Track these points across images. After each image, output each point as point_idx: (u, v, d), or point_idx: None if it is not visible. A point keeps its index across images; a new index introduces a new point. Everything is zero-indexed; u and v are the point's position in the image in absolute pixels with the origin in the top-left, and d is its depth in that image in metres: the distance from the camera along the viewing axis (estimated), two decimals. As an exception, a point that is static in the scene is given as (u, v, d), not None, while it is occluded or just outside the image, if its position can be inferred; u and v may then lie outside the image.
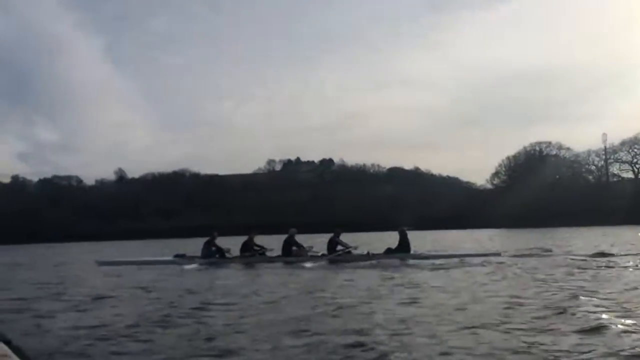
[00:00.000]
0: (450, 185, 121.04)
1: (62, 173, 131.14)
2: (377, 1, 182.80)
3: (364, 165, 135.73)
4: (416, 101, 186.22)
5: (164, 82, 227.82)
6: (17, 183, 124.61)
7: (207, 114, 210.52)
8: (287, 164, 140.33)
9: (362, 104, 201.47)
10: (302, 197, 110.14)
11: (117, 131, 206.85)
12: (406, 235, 15.58)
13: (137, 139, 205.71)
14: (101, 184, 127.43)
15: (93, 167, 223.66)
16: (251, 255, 16.09)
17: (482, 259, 14.23)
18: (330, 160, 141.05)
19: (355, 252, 15.66)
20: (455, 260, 14.23)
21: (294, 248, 15.96)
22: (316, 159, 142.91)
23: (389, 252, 15.40)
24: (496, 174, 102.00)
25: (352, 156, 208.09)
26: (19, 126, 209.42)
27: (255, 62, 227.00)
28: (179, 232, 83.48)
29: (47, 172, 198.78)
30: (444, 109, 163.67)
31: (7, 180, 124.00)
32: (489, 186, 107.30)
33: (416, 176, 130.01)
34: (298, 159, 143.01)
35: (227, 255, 16.51)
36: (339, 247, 15.77)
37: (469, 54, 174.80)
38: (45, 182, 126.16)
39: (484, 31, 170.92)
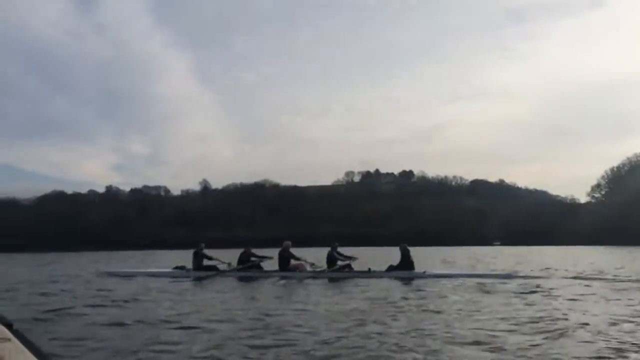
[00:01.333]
0: (538, 199, 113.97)
1: (151, 184, 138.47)
2: (450, 13, 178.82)
3: (446, 177, 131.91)
4: (496, 113, 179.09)
5: (245, 97, 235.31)
6: (111, 192, 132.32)
7: (285, 127, 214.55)
8: (366, 175, 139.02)
9: (440, 117, 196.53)
10: (383, 208, 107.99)
11: (201, 144, 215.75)
12: (408, 251, 14.56)
13: (219, 151, 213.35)
14: (187, 194, 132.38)
15: (179, 178, 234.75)
16: (248, 267, 15.23)
17: (494, 280, 12.91)
18: (410, 172, 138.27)
19: (355, 267, 14.94)
20: (461, 280, 12.84)
21: (292, 261, 14.89)
22: (395, 170, 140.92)
23: (390, 269, 14.39)
24: (597, 186, 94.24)
25: (432, 168, 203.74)
26: (114, 140, 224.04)
27: (331, 77, 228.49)
28: (261, 242, 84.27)
29: (138, 182, 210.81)
30: (526, 120, 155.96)
31: (102, 190, 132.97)
32: (580, 199, 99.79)
33: (501, 189, 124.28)
34: (377, 170, 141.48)
35: (221, 267, 15.72)
36: (339, 262, 14.88)
37: (552, 63, 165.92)
38: (136, 192, 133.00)
39: (569, 39, 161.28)
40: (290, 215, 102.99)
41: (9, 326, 1.15)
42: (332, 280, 13.72)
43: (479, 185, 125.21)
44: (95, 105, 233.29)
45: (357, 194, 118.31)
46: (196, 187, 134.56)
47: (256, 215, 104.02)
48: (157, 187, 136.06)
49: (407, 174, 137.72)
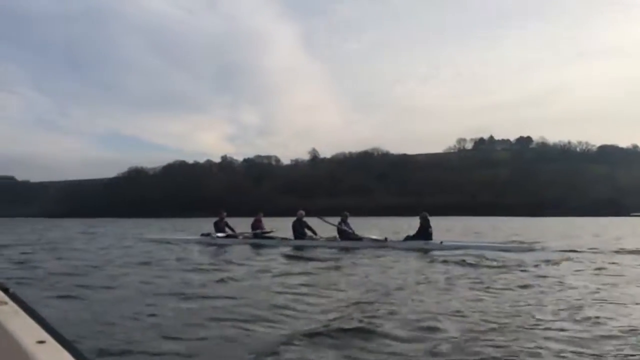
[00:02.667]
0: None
1: (262, 153, 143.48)
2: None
3: (569, 142, 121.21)
4: (626, 72, 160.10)
5: (352, 65, 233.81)
6: (226, 162, 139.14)
7: (393, 95, 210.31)
8: (479, 142, 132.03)
9: (559, 78, 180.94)
10: (498, 176, 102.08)
11: (309, 114, 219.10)
12: (428, 221, 13.48)
13: (327, 120, 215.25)
14: (296, 163, 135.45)
15: (288, 148, 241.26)
16: (262, 234, 15.20)
17: (513, 253, 11.46)
18: (529, 138, 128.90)
19: (372, 237, 13.98)
20: (480, 251, 11.43)
21: (306, 230, 14.45)
22: (511, 137, 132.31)
23: (407, 239, 13.56)
24: None
25: (552, 133, 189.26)
26: (227, 112, 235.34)
27: (438, 41, 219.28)
28: (374, 211, 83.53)
29: (249, 152, 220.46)
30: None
31: (218, 159, 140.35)
32: None
33: (634, 154, 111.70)
34: (491, 137, 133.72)
35: (239, 236, 15.57)
36: (347, 229, 14.09)
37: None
38: (248, 162, 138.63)
39: None
40: (401, 184, 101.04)
41: (5, 290, 1.25)
42: (343, 249, 13.02)
43: (607, 151, 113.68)
44: (209, 78, 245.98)
45: (470, 161, 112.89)
46: (305, 156, 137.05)
47: (366, 184, 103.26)
48: (269, 157, 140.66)
49: (524, 140, 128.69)
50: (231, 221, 16.26)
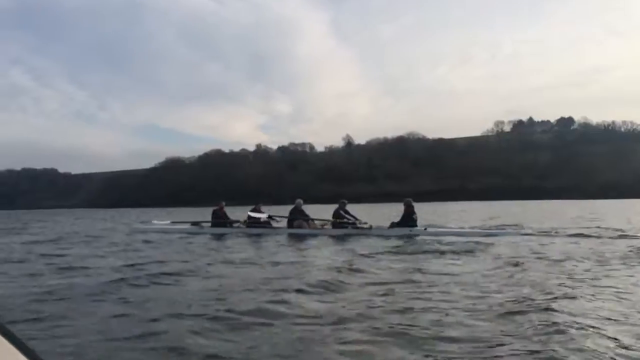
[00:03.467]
0: None
1: (295, 141, 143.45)
2: None
3: (613, 122, 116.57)
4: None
5: (384, 50, 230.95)
6: (260, 151, 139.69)
7: (425, 79, 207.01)
8: (518, 124, 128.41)
9: (601, 57, 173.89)
10: (540, 159, 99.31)
11: (341, 100, 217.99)
12: (412, 207, 13.40)
13: (359, 106, 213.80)
14: (330, 150, 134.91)
15: (321, 135, 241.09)
16: (258, 225, 15.06)
17: (498, 238, 11.46)
18: (570, 119, 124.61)
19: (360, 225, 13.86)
20: (465, 238, 11.45)
21: (297, 220, 14.58)
22: (552, 118, 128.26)
23: (392, 226, 13.45)
24: None
25: (595, 114, 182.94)
26: (260, 101, 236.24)
27: (472, 23, 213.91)
28: (412, 196, 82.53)
29: (283, 141, 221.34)
30: None
31: (252, 148, 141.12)
32: None
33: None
34: (530, 119, 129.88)
35: (234, 225, 15.69)
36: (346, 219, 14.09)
37: None
38: (283, 150, 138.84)
39: None
40: (439, 168, 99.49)
41: None
42: (331, 237, 13.06)
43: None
44: (242, 68, 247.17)
45: (509, 144, 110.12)
46: (339, 143, 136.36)
47: (403, 169, 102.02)
48: (303, 144, 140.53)
49: (565, 121, 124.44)
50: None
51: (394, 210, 38.79)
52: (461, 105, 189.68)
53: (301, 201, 14.82)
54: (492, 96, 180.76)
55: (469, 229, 13.88)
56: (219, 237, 13.98)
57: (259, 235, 13.98)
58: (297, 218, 14.58)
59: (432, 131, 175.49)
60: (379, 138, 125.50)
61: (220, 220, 15.80)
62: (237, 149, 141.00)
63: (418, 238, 11.90)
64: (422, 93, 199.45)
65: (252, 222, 15.16)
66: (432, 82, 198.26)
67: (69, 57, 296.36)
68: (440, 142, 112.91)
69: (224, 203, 16.22)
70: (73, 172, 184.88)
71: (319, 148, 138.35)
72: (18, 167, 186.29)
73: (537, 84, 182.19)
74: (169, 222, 18.43)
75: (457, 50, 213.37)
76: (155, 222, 18.91)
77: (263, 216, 15.36)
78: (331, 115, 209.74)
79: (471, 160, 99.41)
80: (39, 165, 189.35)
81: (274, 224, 15.27)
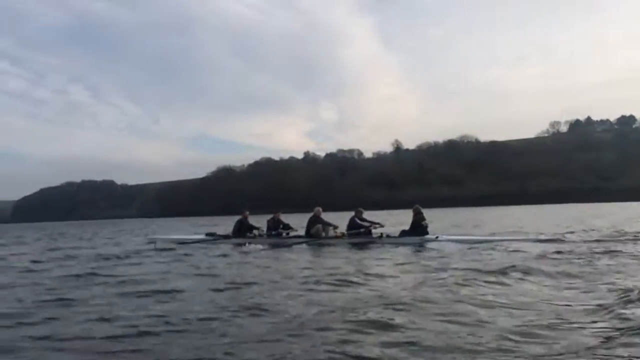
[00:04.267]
0: None
1: (343, 147, 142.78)
2: None
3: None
4: None
5: (431, 53, 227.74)
6: (309, 158, 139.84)
7: (474, 81, 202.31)
8: (575, 124, 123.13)
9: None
10: (602, 159, 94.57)
11: (387, 105, 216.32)
12: (421, 214, 13.04)
13: (406, 111, 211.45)
14: (378, 155, 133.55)
15: (368, 141, 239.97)
16: (277, 234, 14.83)
17: (515, 244, 11.13)
18: (631, 117, 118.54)
19: (374, 231, 13.71)
20: (481, 245, 11.11)
21: (316, 227, 14.16)
22: (611, 117, 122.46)
23: (403, 234, 13.10)
24: None
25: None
26: (308, 108, 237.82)
27: (524, 21, 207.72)
28: (464, 201, 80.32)
29: (330, 147, 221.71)
30: None
31: (300, 155, 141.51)
32: None
33: None
34: (589, 118, 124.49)
35: (255, 233, 15.16)
36: (362, 229, 13.71)
37: None
38: (331, 156, 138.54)
39: None
40: (495, 172, 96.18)
41: None
42: (349, 244, 12.91)
43: None
44: (289, 76, 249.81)
45: (567, 145, 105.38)
46: (388, 148, 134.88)
47: (457, 173, 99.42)
48: (351, 151, 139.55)
49: (627, 119, 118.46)
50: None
51: (448, 216, 37.31)
52: (513, 107, 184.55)
53: (320, 209, 14.59)
54: (546, 96, 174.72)
55: (484, 236, 13.34)
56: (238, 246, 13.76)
57: (277, 245, 13.61)
58: (316, 224, 14.19)
59: (484, 134, 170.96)
60: (429, 142, 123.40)
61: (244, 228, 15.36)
62: (285, 156, 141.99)
63: (426, 246, 11.70)
64: (472, 95, 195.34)
65: (269, 233, 14.94)
66: (483, 84, 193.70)
67: (124, 73, 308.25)
68: (494, 144, 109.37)
69: (247, 212, 15.69)
70: (129, 184, 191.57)
71: (367, 154, 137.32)
72: (78, 180, 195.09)
73: (592, 83, 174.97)
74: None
75: (509, 50, 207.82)
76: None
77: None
78: (378, 121, 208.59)
79: (528, 163, 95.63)
80: (97, 177, 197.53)
81: (292, 233, 14.96)
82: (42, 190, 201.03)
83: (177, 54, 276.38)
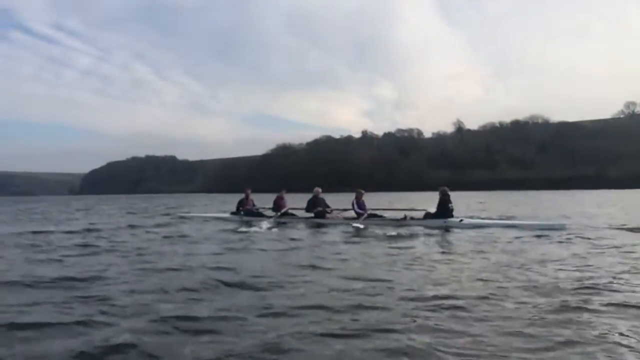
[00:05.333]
0: None
1: (401, 127, 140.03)
2: None
3: None
4: None
5: (493, 29, 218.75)
6: (366, 138, 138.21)
7: (538, 58, 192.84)
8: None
9: None
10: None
11: (447, 84, 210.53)
12: (447, 196, 12.63)
13: (467, 90, 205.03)
14: (438, 136, 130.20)
15: (426, 121, 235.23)
16: (282, 214, 14.67)
17: (540, 231, 10.51)
18: None
19: (391, 216, 13.51)
20: (504, 229, 11.04)
21: (319, 208, 14.07)
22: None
23: (427, 216, 12.80)
24: None
25: None
26: (364, 87, 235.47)
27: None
28: (535, 184, 77.05)
29: (387, 127, 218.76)
30: None
31: (357, 134, 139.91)
32: None
33: None
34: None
35: (261, 212, 15.42)
36: (359, 210, 13.51)
37: None
38: (389, 136, 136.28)
39: None
40: (567, 154, 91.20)
41: None
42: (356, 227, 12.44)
43: None
44: (345, 55, 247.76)
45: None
46: (447, 128, 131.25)
47: (526, 155, 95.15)
48: (410, 130, 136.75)
49: None
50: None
51: (516, 199, 35.53)
52: (582, 86, 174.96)
53: (319, 189, 14.48)
54: (620, 75, 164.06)
55: (506, 220, 13.15)
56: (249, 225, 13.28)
57: (285, 224, 13.57)
58: (317, 206, 14.14)
59: (550, 113, 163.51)
60: (493, 122, 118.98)
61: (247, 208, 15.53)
62: (342, 135, 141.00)
63: (452, 230, 11.36)
64: (536, 72, 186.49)
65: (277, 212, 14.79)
66: (547, 60, 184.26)
67: (185, 51, 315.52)
68: (565, 125, 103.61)
69: (249, 191, 15.89)
70: (190, 159, 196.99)
71: (427, 134, 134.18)
72: (142, 155, 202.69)
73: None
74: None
75: (575, 26, 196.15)
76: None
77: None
78: (437, 100, 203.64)
79: (604, 145, 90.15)
80: (160, 152, 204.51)
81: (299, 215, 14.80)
82: (109, 164, 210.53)
83: (236, 31, 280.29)
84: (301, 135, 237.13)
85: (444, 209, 12.39)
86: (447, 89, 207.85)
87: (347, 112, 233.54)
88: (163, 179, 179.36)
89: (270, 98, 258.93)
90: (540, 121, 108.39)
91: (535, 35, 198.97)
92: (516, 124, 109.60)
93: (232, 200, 16.09)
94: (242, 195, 15.92)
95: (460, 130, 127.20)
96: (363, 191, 13.84)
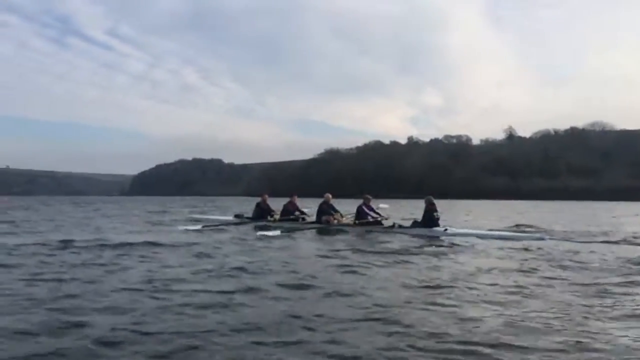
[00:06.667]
0: None
1: (445, 134, 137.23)
2: None
3: None
4: None
5: (543, 36, 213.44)
6: (412, 144, 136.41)
7: (593, 65, 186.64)
8: None
9: None
10: None
11: (495, 91, 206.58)
12: (432, 205, 12.92)
13: (515, 97, 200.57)
14: (486, 143, 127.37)
15: (473, 127, 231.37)
16: (294, 219, 15.17)
17: (523, 242, 10.66)
18: None
19: (385, 222, 13.97)
20: (488, 240, 11.17)
21: (324, 215, 14.55)
22: None
23: (414, 225, 13.09)
24: None
25: None
26: (409, 93, 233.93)
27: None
28: (600, 194, 74.07)
29: (432, 134, 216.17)
30: None
31: (404, 141, 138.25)
32: None
33: None
34: None
35: (270, 218, 15.49)
36: (369, 218, 13.93)
37: None
38: (437, 142, 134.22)
39: None
40: (631, 163, 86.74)
41: None
42: (355, 234, 13.00)
43: None
44: (392, 61, 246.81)
45: None
46: (496, 135, 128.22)
47: (588, 164, 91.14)
48: (459, 136, 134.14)
49: None
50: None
51: (579, 211, 33.30)
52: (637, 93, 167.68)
53: (329, 195, 14.93)
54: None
55: (489, 231, 13.28)
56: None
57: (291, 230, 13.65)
58: (326, 213, 14.55)
59: (611, 121, 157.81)
60: (548, 129, 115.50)
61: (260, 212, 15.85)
62: (386, 141, 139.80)
63: (436, 239, 11.71)
64: (589, 80, 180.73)
65: (284, 217, 15.27)
66: (602, 68, 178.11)
67: (232, 56, 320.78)
68: (629, 133, 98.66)
69: (266, 195, 16.20)
70: (236, 163, 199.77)
71: (474, 140, 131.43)
72: (189, 157, 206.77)
73: None
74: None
75: (630, 33, 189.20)
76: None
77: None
78: (484, 107, 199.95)
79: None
80: (206, 155, 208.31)
81: (307, 219, 15.34)
82: (157, 166, 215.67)
83: (283, 37, 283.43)
84: (345, 141, 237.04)
85: (430, 218, 12.87)
86: (495, 96, 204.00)
87: (391, 118, 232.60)
88: (209, 182, 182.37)
89: (314, 103, 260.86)
90: (601, 129, 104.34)
91: (588, 42, 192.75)
92: (575, 131, 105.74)
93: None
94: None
95: (511, 137, 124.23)
96: (370, 197, 14.48)
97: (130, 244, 9.47)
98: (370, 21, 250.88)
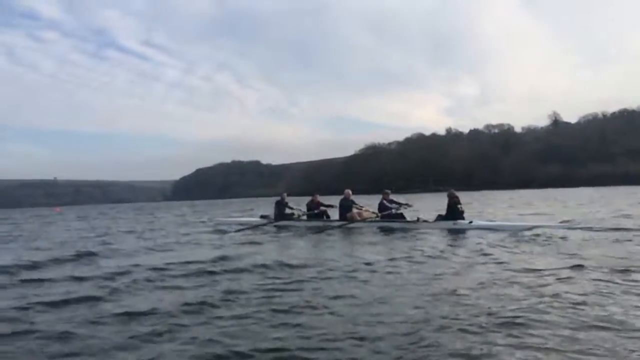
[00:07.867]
0: None
1: (481, 124, 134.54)
2: None
3: None
4: None
5: (583, 16, 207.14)
6: (451, 135, 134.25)
7: (635, 47, 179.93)
8: None
9: None
10: None
11: (533, 76, 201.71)
12: (455, 199, 13.06)
13: (554, 82, 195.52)
14: (530, 130, 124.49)
15: (512, 115, 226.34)
16: (315, 215, 15.22)
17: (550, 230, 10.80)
18: None
19: (406, 213, 14.21)
20: (513, 232, 10.93)
21: (348, 212, 14.55)
22: None
23: (439, 219, 13.23)
24: None
25: None
26: (444, 85, 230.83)
27: None
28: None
29: (468, 124, 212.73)
30: None
31: (442, 132, 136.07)
32: None
33: None
34: None
35: (295, 216, 15.68)
36: (392, 211, 14.00)
37: None
38: (477, 132, 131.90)
39: None
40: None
41: None
42: (380, 229, 13.21)
43: None
44: (424, 53, 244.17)
45: None
46: (538, 122, 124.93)
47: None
48: (501, 125, 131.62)
49: None
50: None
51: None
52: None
53: (349, 191, 14.93)
54: None
55: (512, 222, 13.03)
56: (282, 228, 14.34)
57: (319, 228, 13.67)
58: (348, 209, 14.50)
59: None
60: (595, 113, 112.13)
61: (288, 210, 15.87)
62: (427, 133, 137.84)
63: (461, 232, 11.68)
64: (633, 60, 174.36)
65: (309, 213, 15.37)
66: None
67: (263, 57, 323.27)
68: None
69: (285, 194, 16.38)
70: (274, 163, 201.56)
71: (516, 128, 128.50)
72: (228, 160, 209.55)
73: None
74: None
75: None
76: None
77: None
78: (523, 94, 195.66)
79: None
80: (244, 157, 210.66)
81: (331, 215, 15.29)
82: (197, 171, 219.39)
83: (313, 36, 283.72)
84: (381, 136, 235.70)
85: (454, 211, 12.95)
86: (534, 81, 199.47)
87: (426, 111, 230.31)
88: (249, 184, 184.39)
89: (349, 101, 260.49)
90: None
91: (629, 20, 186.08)
92: (627, 112, 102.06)
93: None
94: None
95: (556, 122, 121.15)
96: (389, 191, 14.82)
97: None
98: (403, 14, 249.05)
